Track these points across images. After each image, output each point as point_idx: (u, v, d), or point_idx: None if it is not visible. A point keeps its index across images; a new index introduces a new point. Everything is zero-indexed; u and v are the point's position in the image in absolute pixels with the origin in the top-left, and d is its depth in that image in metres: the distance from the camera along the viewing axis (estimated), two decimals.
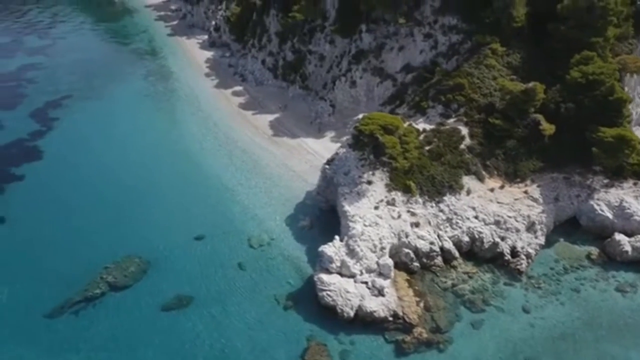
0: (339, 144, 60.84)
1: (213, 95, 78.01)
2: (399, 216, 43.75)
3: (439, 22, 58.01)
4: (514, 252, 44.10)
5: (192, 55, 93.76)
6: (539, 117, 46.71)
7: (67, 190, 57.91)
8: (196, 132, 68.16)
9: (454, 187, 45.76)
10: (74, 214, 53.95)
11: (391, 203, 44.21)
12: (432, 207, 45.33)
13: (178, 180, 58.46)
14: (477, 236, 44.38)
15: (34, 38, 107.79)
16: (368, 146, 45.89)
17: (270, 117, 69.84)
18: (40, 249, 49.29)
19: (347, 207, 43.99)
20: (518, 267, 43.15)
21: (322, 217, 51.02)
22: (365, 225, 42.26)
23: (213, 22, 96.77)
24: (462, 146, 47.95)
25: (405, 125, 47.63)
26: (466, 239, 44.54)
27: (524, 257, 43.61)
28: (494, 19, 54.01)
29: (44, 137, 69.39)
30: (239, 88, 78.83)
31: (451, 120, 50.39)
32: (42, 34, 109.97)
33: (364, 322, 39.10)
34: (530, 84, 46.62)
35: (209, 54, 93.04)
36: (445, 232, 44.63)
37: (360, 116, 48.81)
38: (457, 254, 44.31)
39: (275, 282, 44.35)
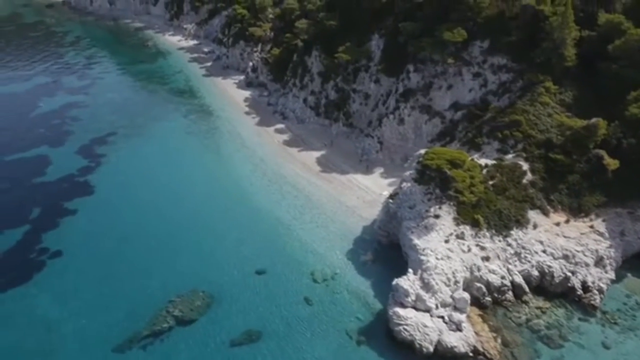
0: (390, 180, 62.18)
1: (256, 133, 79.53)
2: (469, 250, 43.82)
3: (488, 62, 59.72)
4: (585, 287, 43.78)
5: (230, 94, 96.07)
6: (602, 152, 47.37)
7: (121, 224, 58.50)
8: (244, 168, 69.20)
9: (521, 221, 45.97)
10: (131, 248, 54.32)
11: (460, 237, 44.38)
12: (499, 241, 45.40)
13: (231, 215, 58.95)
14: (546, 270, 44.23)
15: (73, 78, 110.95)
16: (434, 180, 46.48)
17: (316, 153, 70.93)
18: (102, 282, 49.46)
19: (416, 241, 44.12)
20: (592, 302, 42.76)
21: (383, 252, 51.15)
22: (437, 259, 42.27)
23: (250, 63, 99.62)
24: (525, 181, 48.44)
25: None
26: (536, 273, 44.38)
27: (596, 291, 43.27)
28: (544, 59, 55.63)
29: (93, 173, 70.54)
30: (280, 126, 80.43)
31: (510, 156, 51.09)
32: (80, 75, 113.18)
33: (443, 357, 38.55)
34: (593, 120, 47.54)
35: (246, 93, 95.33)
36: (515, 266, 44.53)
37: (423, 151, 49.68)
38: (527, 289, 44.05)
39: (344, 317, 44.07)
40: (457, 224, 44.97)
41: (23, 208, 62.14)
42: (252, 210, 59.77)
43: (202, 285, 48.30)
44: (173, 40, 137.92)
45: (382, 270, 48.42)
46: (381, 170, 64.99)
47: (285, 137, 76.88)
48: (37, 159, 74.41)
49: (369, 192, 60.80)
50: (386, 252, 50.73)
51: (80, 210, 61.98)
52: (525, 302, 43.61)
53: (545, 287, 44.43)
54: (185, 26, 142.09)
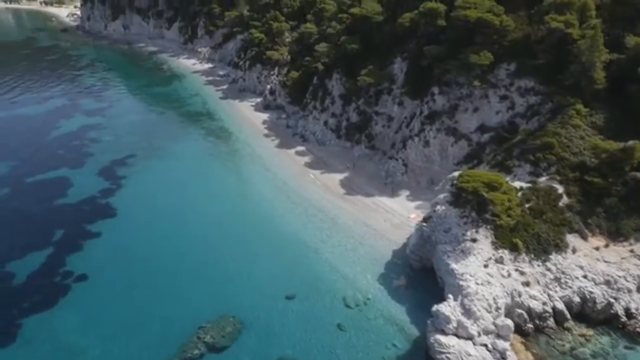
0: (417, 202, 61.52)
1: (276, 155, 79.24)
2: (509, 275, 42.75)
3: (515, 85, 59.57)
4: (629, 314, 42.48)
5: (248, 117, 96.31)
6: (639, 175, 46.65)
7: (145, 247, 57.60)
8: (267, 191, 68.61)
9: (560, 246, 44.96)
10: (156, 271, 53.41)
11: (499, 261, 43.36)
12: (538, 265, 44.31)
13: (256, 238, 58.04)
14: (588, 296, 43.01)
15: (90, 101, 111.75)
16: (470, 203, 45.73)
17: (339, 176, 70.36)
18: (128, 306, 48.43)
19: (454, 265, 43.10)
20: (637, 329, 41.46)
21: (416, 276, 50.03)
22: (477, 284, 41.19)
23: (268, 86, 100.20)
24: (561, 204, 47.62)
25: None
26: (577, 299, 43.14)
27: None
28: (573, 81, 55.44)
29: (115, 195, 70.02)
30: (301, 148, 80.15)
31: (543, 179, 50.40)
32: (97, 97, 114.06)
33: None
34: (630, 143, 46.96)
35: (264, 115, 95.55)
36: (555, 292, 43.31)
37: (456, 174, 49.07)
38: (568, 315, 42.78)
39: (380, 344, 42.78)
40: (496, 248, 44.00)
41: (46, 230, 61.43)
42: (278, 233, 58.87)
43: (231, 310, 47.16)
44: (188, 64, 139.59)
45: (416, 296, 47.30)
46: (407, 192, 64.25)
47: (306, 159, 76.49)
48: (58, 181, 74.08)
49: (396, 215, 59.96)
50: (419, 277, 49.63)
51: (103, 232, 61.22)
52: (568, 330, 42.27)
53: (587, 313, 43.12)
54: (199, 50, 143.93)
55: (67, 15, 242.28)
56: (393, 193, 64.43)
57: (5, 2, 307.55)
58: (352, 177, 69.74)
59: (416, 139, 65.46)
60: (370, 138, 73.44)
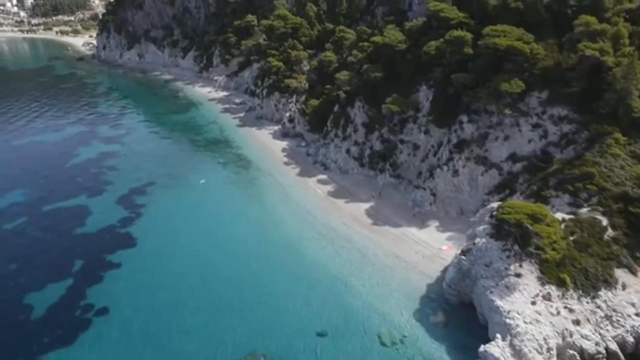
0: (447, 234, 59.57)
1: (298, 184, 77.76)
2: (558, 312, 40.36)
3: (548, 113, 58.20)
4: None
5: (266, 145, 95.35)
6: None
7: (167, 279, 55.64)
8: (290, 221, 66.80)
9: (609, 281, 42.64)
10: (179, 304, 51.37)
11: (547, 298, 41.02)
12: (587, 302, 41.90)
13: (283, 271, 56.03)
14: None
15: (107, 128, 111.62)
16: (512, 236, 43.73)
17: (365, 205, 68.58)
18: (153, 343, 46.32)
19: (499, 302, 40.83)
20: None
21: (453, 312, 47.61)
22: (526, 323, 38.84)
23: (287, 114, 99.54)
24: (606, 237, 45.49)
25: None
26: (631, 339, 40.55)
27: None
28: (609, 110, 54.04)
29: (135, 224, 68.51)
30: (323, 176, 78.67)
31: (584, 210, 48.42)
32: (114, 125, 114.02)
33: None
34: None
35: (283, 143, 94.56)
36: (607, 331, 40.77)
37: (495, 205, 47.25)
38: (622, 357, 40.11)
39: None
40: (542, 284, 41.72)
41: (65, 261, 59.81)
42: (305, 265, 56.84)
43: (261, 347, 44.96)
44: (203, 92, 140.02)
45: (455, 333, 44.86)
46: (436, 223, 62.22)
47: (330, 188, 74.89)
48: (77, 209, 72.83)
49: (426, 246, 57.85)
50: (457, 313, 47.21)
51: (124, 263, 59.44)
52: None
53: None
54: (215, 78, 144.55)
55: (83, 45, 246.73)
56: (422, 224, 62.45)
57: (22, 31, 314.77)
58: (378, 206, 67.92)
59: (445, 167, 63.84)
60: (395, 167, 71.91)
